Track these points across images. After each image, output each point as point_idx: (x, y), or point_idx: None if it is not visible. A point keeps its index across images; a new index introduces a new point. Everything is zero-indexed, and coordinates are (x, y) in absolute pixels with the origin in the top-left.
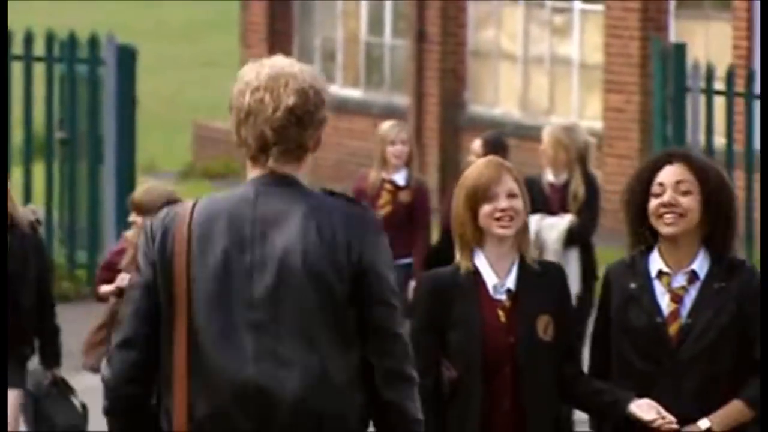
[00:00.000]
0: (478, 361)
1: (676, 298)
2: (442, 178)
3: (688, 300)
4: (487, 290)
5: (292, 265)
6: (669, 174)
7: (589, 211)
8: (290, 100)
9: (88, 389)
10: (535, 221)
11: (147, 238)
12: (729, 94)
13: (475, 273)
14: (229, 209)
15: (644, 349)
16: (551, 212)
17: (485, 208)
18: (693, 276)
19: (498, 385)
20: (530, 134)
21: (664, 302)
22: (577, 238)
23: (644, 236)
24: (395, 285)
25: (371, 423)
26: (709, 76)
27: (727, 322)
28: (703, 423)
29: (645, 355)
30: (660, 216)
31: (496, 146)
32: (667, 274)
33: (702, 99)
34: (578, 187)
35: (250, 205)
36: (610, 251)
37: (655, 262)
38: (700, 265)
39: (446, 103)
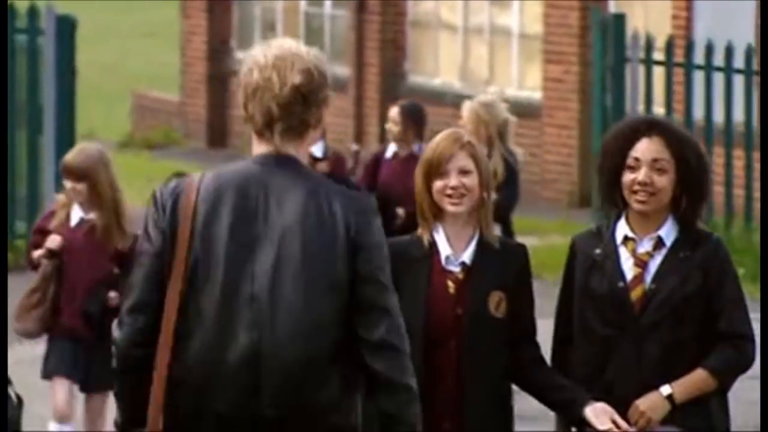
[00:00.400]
0: (420, 331)
1: (640, 264)
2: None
3: (653, 266)
4: (440, 261)
5: (292, 242)
6: (646, 150)
7: (508, 189)
8: (296, 78)
9: (19, 361)
10: None
11: (157, 207)
12: (668, 64)
13: (432, 245)
14: (235, 185)
15: (606, 315)
16: None
17: (437, 184)
18: (659, 242)
19: (443, 358)
20: None
21: (628, 267)
22: (496, 216)
23: (615, 202)
24: (386, 264)
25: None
26: (649, 47)
27: (691, 290)
28: (665, 389)
29: (607, 321)
30: (633, 192)
31: (413, 114)
32: (632, 239)
33: (641, 69)
34: (498, 164)
35: (255, 182)
36: (548, 222)
37: (622, 229)
38: (667, 232)
39: (386, 74)
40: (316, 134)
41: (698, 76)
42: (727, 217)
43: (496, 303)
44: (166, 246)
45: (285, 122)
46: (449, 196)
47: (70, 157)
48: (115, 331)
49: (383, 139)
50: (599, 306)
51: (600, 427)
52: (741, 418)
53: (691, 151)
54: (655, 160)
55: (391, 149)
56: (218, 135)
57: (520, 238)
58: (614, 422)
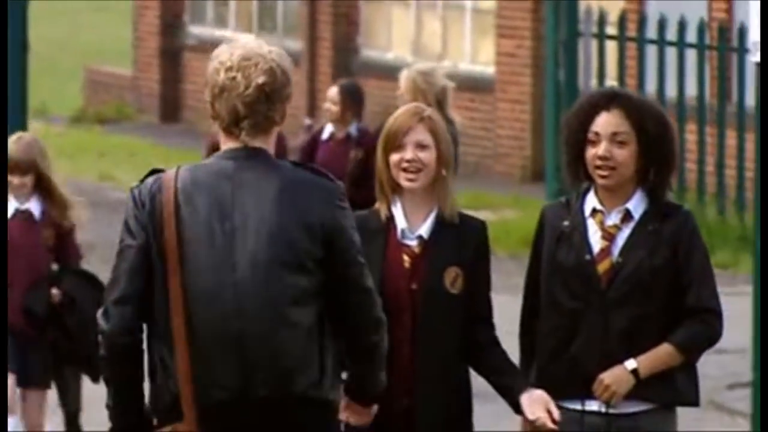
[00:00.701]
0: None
1: (608, 237)
2: None
3: (620, 239)
4: (396, 235)
5: (268, 232)
6: (605, 123)
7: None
8: (260, 78)
9: None
10: None
11: (137, 204)
12: (621, 38)
13: (390, 219)
14: (209, 180)
15: (573, 288)
16: None
17: (393, 157)
18: (627, 215)
19: (398, 331)
20: None
21: (595, 240)
22: None
23: (581, 176)
24: (360, 245)
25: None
26: (601, 21)
27: (659, 264)
28: (630, 364)
29: (574, 294)
30: (596, 167)
31: (352, 94)
32: (600, 212)
33: (594, 44)
34: None
35: (228, 177)
36: (501, 197)
37: (591, 201)
38: (636, 205)
39: (339, 48)
40: (279, 127)
41: (651, 51)
42: (680, 192)
43: (452, 279)
44: (150, 240)
45: (251, 119)
46: (405, 170)
47: (14, 151)
48: (102, 322)
49: None
50: (566, 279)
51: (530, 416)
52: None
53: (652, 122)
54: (614, 134)
55: (328, 130)
56: (171, 109)
57: (472, 213)
58: (549, 411)
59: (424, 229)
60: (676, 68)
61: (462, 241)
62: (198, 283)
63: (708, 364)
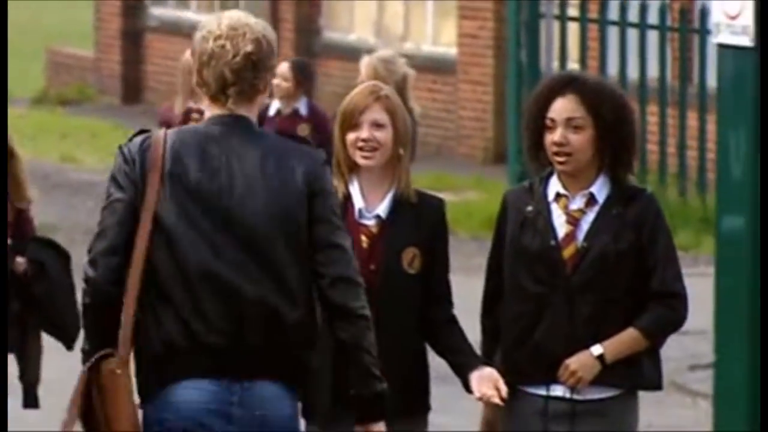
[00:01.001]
0: None
1: (572, 221)
2: None
3: (585, 223)
4: (354, 214)
5: (254, 193)
6: (560, 109)
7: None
8: (248, 47)
9: None
10: None
11: (126, 159)
12: (583, 20)
13: (347, 198)
14: (197, 142)
15: (538, 273)
16: None
17: (350, 136)
18: (591, 199)
19: None
20: None
21: (560, 225)
22: None
23: (541, 161)
24: (337, 208)
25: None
26: (563, 3)
27: (624, 248)
28: (596, 349)
29: (539, 279)
30: (553, 153)
31: (303, 70)
32: (564, 196)
33: (556, 25)
34: None
35: (215, 140)
36: (463, 178)
37: (554, 185)
38: (599, 188)
39: (301, 30)
40: (264, 97)
41: (612, 32)
42: (642, 174)
43: (410, 259)
44: (138, 196)
45: (237, 87)
46: (360, 148)
47: None
48: (90, 271)
49: None
50: (531, 264)
51: (476, 393)
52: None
53: (608, 106)
54: (569, 119)
55: (275, 106)
56: (133, 91)
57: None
58: (497, 389)
59: (382, 209)
60: (637, 50)
61: (420, 221)
62: (183, 234)
63: (669, 346)
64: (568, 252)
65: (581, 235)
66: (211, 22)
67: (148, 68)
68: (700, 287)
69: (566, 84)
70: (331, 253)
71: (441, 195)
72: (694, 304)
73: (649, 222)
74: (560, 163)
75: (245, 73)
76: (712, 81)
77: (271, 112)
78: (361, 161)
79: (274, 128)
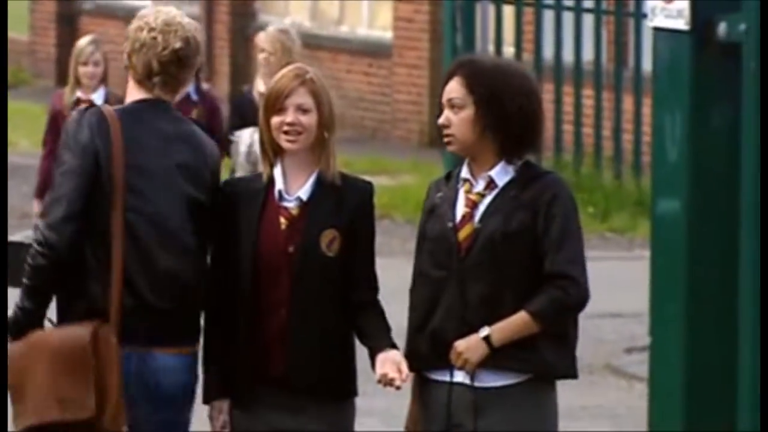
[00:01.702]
0: (249, 264)
1: (470, 204)
2: (232, 87)
3: (483, 206)
4: (274, 197)
5: (181, 168)
6: (446, 90)
7: None
8: (177, 44)
9: None
10: (248, 135)
11: (84, 127)
12: (518, 3)
13: (271, 180)
14: (129, 121)
15: (438, 257)
16: None
17: (274, 120)
18: (491, 182)
19: (274, 295)
20: (320, 44)
21: (460, 208)
22: None
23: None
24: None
25: None
26: None
27: (515, 229)
28: (483, 331)
29: (438, 263)
30: (442, 135)
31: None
32: (468, 181)
33: (491, 8)
34: None
35: (148, 120)
36: (399, 162)
37: (464, 171)
38: (500, 172)
39: (236, 13)
40: (185, 90)
41: (548, 16)
42: (577, 156)
43: (329, 241)
44: (98, 163)
45: (162, 77)
46: (285, 132)
47: None
48: (49, 235)
49: (234, 79)
50: (432, 248)
51: (377, 375)
52: (589, 356)
53: (486, 84)
54: (449, 100)
55: None
56: (67, 74)
57: (371, 178)
58: (399, 371)
59: (304, 192)
60: (573, 33)
61: (342, 203)
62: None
63: (605, 329)
64: (462, 234)
65: (477, 217)
66: (149, 15)
67: None
68: (635, 270)
69: (458, 66)
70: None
71: (377, 179)
72: (629, 286)
73: (544, 204)
74: (446, 143)
75: (170, 67)
76: (647, 64)
77: None
78: (285, 145)
79: None
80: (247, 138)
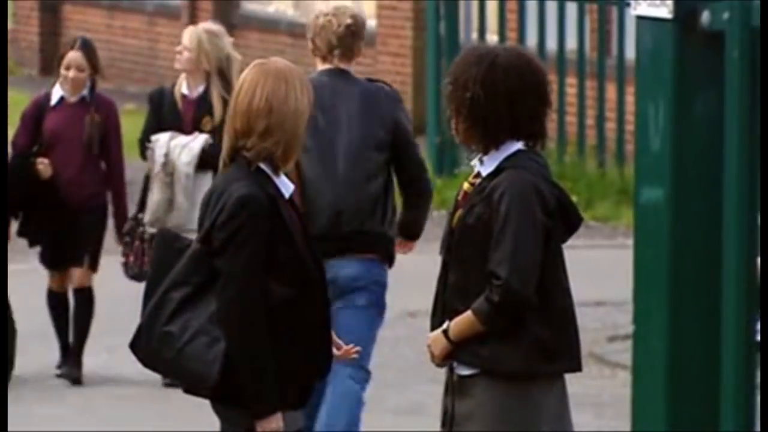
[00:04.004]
0: (314, 267)
1: (464, 192)
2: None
3: (470, 195)
4: (284, 197)
5: (353, 123)
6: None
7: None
8: (347, 20)
9: None
10: (164, 143)
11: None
12: None
13: (273, 182)
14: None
15: (443, 241)
16: (183, 130)
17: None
18: (479, 173)
19: (319, 290)
20: (304, 32)
21: (461, 193)
22: (212, 162)
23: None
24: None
25: None
26: None
27: (471, 222)
28: (445, 325)
29: (443, 247)
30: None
31: (94, 52)
32: (473, 168)
33: None
34: (216, 104)
35: (326, 85)
36: None
37: (475, 159)
38: (488, 162)
39: (220, 0)
40: (355, 60)
41: (531, 4)
42: (560, 145)
43: None
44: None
45: (340, 50)
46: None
47: None
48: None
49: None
50: (444, 233)
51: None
52: None
53: (455, 76)
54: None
55: (57, 94)
56: (51, 62)
57: None
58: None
59: (292, 188)
60: (556, 21)
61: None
62: (307, 161)
63: (588, 317)
64: (454, 221)
65: (466, 205)
66: (322, 7)
67: (66, 40)
68: (618, 258)
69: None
70: (416, 163)
71: None
72: (612, 275)
73: (496, 200)
74: (452, 135)
75: (346, 40)
76: (630, 53)
77: (54, 100)
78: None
79: (60, 120)
80: (163, 146)
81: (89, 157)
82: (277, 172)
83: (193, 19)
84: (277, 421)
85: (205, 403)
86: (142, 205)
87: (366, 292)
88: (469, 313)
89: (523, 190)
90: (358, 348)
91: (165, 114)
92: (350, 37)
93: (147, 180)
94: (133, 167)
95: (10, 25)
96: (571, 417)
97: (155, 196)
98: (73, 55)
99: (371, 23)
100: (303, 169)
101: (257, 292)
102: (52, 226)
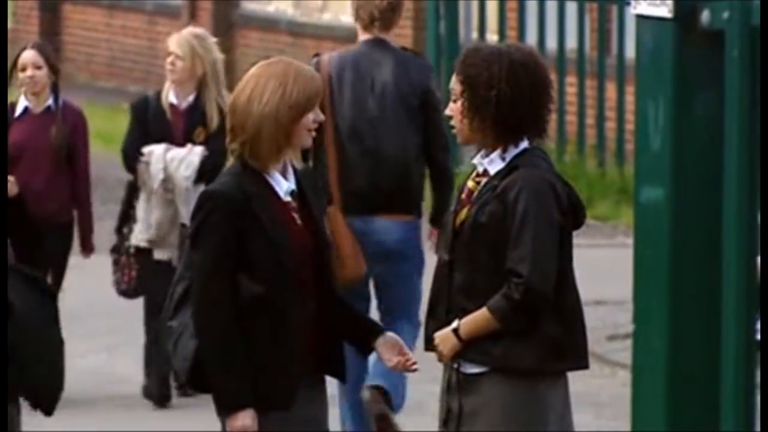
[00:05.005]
0: (290, 267)
1: (468, 191)
2: None
3: (476, 194)
4: (276, 195)
5: (390, 89)
6: (450, 84)
7: (217, 143)
8: None
9: None
10: (160, 157)
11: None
12: None
13: (261, 179)
14: (353, 56)
15: (444, 240)
16: (173, 141)
17: (307, 119)
18: (485, 170)
19: (304, 288)
20: (304, 32)
21: (465, 192)
22: (208, 175)
23: None
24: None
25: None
26: None
27: (483, 220)
28: (455, 323)
29: (444, 245)
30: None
31: (52, 55)
32: (476, 167)
33: None
34: (212, 111)
35: (365, 54)
36: None
37: (476, 158)
38: (495, 160)
39: (220, 0)
40: (393, 28)
41: (531, 3)
42: (560, 144)
43: (327, 229)
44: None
45: (382, 21)
46: (310, 130)
47: None
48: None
49: None
50: (444, 231)
51: (388, 364)
52: None
53: (470, 74)
54: (450, 91)
55: (22, 105)
56: None
57: None
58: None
59: (291, 183)
60: (556, 20)
61: (313, 188)
62: (344, 117)
63: (588, 316)
64: (458, 220)
65: (470, 205)
66: None
67: (66, 39)
68: (618, 258)
69: (459, 57)
70: (440, 127)
71: None
72: (612, 274)
73: (512, 198)
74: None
75: (386, 13)
76: (630, 52)
77: (18, 111)
78: (308, 141)
79: (25, 132)
80: (159, 160)
81: (56, 169)
82: (266, 170)
83: (193, 18)
84: (243, 419)
85: (205, 404)
86: (125, 219)
87: (409, 251)
88: (484, 311)
89: (540, 188)
90: (415, 365)
91: (152, 124)
92: (390, 12)
93: (131, 192)
94: (98, 162)
95: (10, 25)
96: (572, 417)
97: (156, 214)
98: (27, 54)
99: None
100: (341, 133)
101: (217, 287)
102: (16, 245)
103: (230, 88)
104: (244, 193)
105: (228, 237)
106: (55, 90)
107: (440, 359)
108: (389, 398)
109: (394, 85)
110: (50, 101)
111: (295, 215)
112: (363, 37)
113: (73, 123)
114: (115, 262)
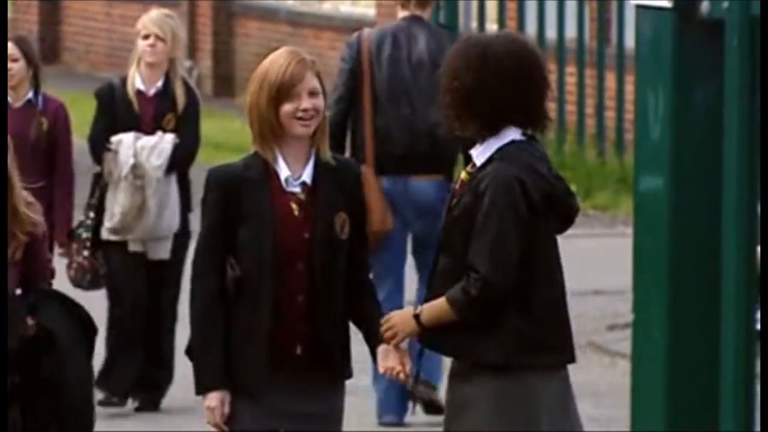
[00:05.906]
0: (268, 257)
1: (461, 182)
2: (215, 65)
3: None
4: (279, 183)
5: (424, 59)
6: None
7: (190, 129)
8: None
9: None
10: (130, 145)
11: (349, 46)
12: None
13: (267, 166)
14: (392, 31)
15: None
16: (141, 129)
17: (287, 107)
18: (473, 163)
19: (292, 281)
20: (304, 21)
21: (458, 182)
22: (180, 164)
23: None
24: None
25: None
26: None
27: (457, 213)
28: (418, 309)
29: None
30: None
31: (30, 49)
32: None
33: None
34: (180, 94)
35: (403, 29)
36: None
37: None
38: (481, 152)
39: None
40: (430, 8)
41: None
42: (560, 134)
43: (341, 224)
44: (354, 73)
45: (417, 0)
46: (300, 118)
47: None
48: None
49: (216, 57)
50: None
51: (380, 369)
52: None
53: (445, 65)
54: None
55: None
56: (50, 50)
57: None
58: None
59: (307, 175)
60: (556, 10)
61: (343, 185)
62: (382, 86)
63: (587, 306)
64: (448, 209)
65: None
66: None
67: (66, 28)
68: (618, 247)
69: None
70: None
71: None
72: (612, 264)
73: (481, 192)
74: None
75: None
76: (630, 42)
77: None
78: (300, 131)
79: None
80: (128, 147)
81: (37, 165)
82: (270, 158)
83: (193, 8)
84: (210, 400)
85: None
86: (90, 210)
87: (441, 209)
88: (443, 301)
89: (507, 182)
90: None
91: (119, 112)
92: None
93: (97, 183)
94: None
95: (9, 14)
96: (577, 412)
97: (123, 202)
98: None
99: (370, 12)
100: (379, 100)
101: (203, 264)
102: None
103: (229, 77)
104: (240, 178)
105: (219, 218)
106: (35, 84)
107: (387, 340)
108: (436, 388)
109: (429, 57)
110: (30, 95)
111: (296, 207)
112: (401, 14)
113: (54, 117)
114: (68, 252)
